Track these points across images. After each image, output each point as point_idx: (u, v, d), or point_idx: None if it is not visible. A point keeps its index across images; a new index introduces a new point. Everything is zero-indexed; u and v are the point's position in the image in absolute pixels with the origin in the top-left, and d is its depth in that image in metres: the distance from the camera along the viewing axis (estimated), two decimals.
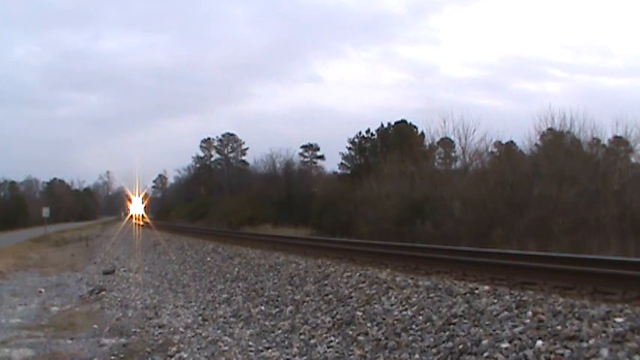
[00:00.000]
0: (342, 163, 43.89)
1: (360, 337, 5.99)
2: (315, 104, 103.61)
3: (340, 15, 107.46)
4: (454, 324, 5.37)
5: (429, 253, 10.62)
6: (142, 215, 44.49)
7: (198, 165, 68.07)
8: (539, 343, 4.29)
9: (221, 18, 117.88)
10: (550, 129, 23.03)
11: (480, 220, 19.53)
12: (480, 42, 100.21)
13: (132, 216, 44.55)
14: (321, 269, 9.79)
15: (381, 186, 27.13)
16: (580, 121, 21.32)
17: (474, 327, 5.12)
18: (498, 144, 28.21)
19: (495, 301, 5.64)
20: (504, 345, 4.50)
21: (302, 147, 57.50)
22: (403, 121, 40.08)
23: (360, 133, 41.24)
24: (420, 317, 5.88)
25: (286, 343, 6.64)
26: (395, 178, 27.11)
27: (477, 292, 6.17)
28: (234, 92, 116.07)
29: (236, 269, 12.57)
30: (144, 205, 44.15)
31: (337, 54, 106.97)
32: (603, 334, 4.13)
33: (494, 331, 4.86)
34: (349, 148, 42.35)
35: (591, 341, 4.07)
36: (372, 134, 40.75)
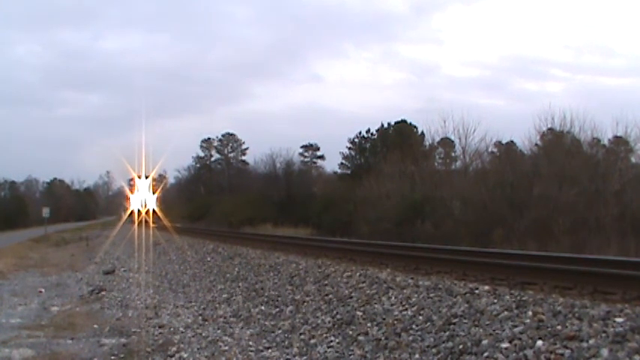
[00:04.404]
0: (342, 163, 43.96)
1: (360, 337, 5.99)
2: (315, 104, 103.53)
3: (342, 14, 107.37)
4: (454, 324, 5.37)
5: (429, 253, 10.61)
6: (153, 211, 27.83)
7: (198, 165, 68.01)
8: (540, 343, 4.30)
9: (222, 18, 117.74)
10: (550, 129, 23.08)
11: (480, 220, 19.56)
12: (482, 42, 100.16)
13: (134, 213, 28.41)
14: (321, 269, 9.79)
15: (381, 186, 27.16)
16: (580, 121, 21.40)
17: (474, 327, 5.12)
18: (498, 144, 28.27)
19: (495, 301, 5.64)
20: (504, 345, 4.50)
21: (302, 147, 57.52)
22: (403, 121, 40.15)
23: (360, 133, 41.34)
24: (420, 317, 5.88)
25: (286, 343, 6.64)
26: (395, 178, 27.14)
27: (477, 292, 6.17)
28: (235, 92, 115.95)
29: (236, 269, 12.57)
30: (155, 195, 27.30)
31: (338, 53, 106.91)
32: (603, 334, 4.13)
33: (494, 331, 4.86)
34: (349, 148, 42.42)
35: (591, 341, 4.07)
36: (372, 134, 40.81)
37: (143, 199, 24.84)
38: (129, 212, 31.03)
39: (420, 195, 24.10)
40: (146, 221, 28.36)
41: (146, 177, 22.67)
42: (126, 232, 29.71)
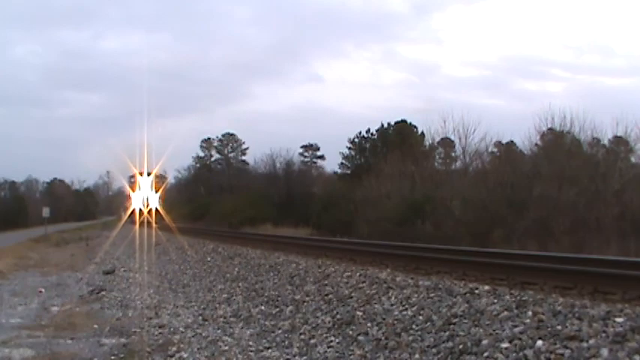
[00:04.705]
0: (342, 163, 43.92)
1: (360, 337, 5.99)
2: (315, 104, 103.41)
3: (342, 14, 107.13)
4: (454, 324, 5.37)
5: (429, 253, 10.62)
6: (156, 210, 25.66)
7: (198, 165, 68.01)
8: (540, 343, 4.30)
9: (222, 17, 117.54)
10: (550, 129, 23.09)
11: (480, 221, 19.56)
12: (482, 42, 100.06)
13: (135, 212, 25.70)
14: (321, 269, 9.80)
15: (381, 186, 27.17)
16: (580, 121, 21.41)
17: (474, 327, 5.12)
18: (498, 144, 28.29)
19: (495, 301, 5.64)
20: (504, 345, 4.50)
21: (302, 147, 57.56)
22: (403, 121, 40.13)
23: (360, 133, 41.30)
24: (420, 317, 5.88)
25: (286, 343, 6.64)
26: (395, 178, 27.14)
27: (477, 292, 6.17)
28: (235, 92, 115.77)
29: (236, 269, 12.57)
30: (157, 193, 25.18)
31: (338, 53, 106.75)
32: (603, 334, 4.13)
33: (494, 331, 4.86)
34: (349, 148, 42.39)
35: (591, 341, 4.07)
36: (372, 134, 40.78)
37: (145, 197, 22.51)
38: (130, 211, 28.06)
39: (420, 195, 24.12)
40: (148, 221, 25.88)
41: (148, 174, 20.32)
42: (127, 232, 28.73)
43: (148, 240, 25.29)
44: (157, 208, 25.14)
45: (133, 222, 28.71)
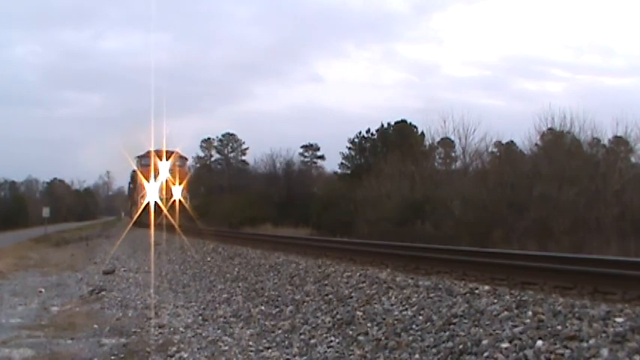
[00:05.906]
0: (342, 163, 44.02)
1: (360, 337, 5.99)
2: (315, 104, 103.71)
3: (342, 14, 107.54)
4: (454, 324, 5.37)
5: (429, 253, 10.59)
6: (180, 204, 18.44)
7: (198, 165, 68.09)
8: (540, 343, 4.30)
9: (223, 17, 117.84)
10: (550, 129, 23.12)
11: (480, 221, 19.57)
12: (482, 42, 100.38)
13: (150, 209, 17.08)
14: (321, 269, 9.79)
15: (381, 186, 27.19)
16: (580, 121, 21.46)
17: (474, 327, 5.12)
18: (498, 144, 28.33)
19: (495, 301, 5.64)
20: (504, 345, 4.50)
21: (302, 147, 57.70)
22: (403, 121, 40.19)
23: (360, 133, 41.38)
24: (420, 317, 5.88)
25: (286, 343, 6.64)
26: (395, 178, 27.16)
27: (477, 292, 6.16)
28: (235, 92, 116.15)
29: (236, 269, 12.56)
30: (180, 183, 17.92)
31: (339, 53, 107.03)
32: (603, 334, 4.13)
33: (494, 331, 4.86)
34: (349, 148, 42.46)
35: (591, 341, 4.07)
36: (372, 134, 40.82)
37: (164, 186, 15.18)
38: (141, 209, 20.01)
39: (420, 195, 24.13)
40: (168, 222, 18.40)
41: (168, 156, 13.98)
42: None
43: (147, 240, 25.21)
44: (180, 202, 18.10)
45: (145, 224, 21.93)
